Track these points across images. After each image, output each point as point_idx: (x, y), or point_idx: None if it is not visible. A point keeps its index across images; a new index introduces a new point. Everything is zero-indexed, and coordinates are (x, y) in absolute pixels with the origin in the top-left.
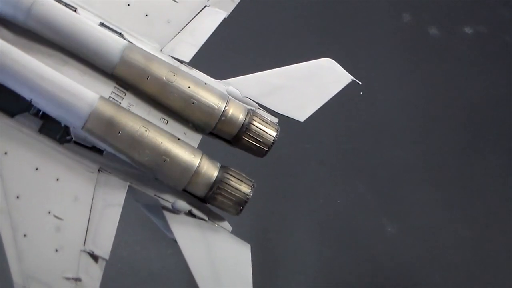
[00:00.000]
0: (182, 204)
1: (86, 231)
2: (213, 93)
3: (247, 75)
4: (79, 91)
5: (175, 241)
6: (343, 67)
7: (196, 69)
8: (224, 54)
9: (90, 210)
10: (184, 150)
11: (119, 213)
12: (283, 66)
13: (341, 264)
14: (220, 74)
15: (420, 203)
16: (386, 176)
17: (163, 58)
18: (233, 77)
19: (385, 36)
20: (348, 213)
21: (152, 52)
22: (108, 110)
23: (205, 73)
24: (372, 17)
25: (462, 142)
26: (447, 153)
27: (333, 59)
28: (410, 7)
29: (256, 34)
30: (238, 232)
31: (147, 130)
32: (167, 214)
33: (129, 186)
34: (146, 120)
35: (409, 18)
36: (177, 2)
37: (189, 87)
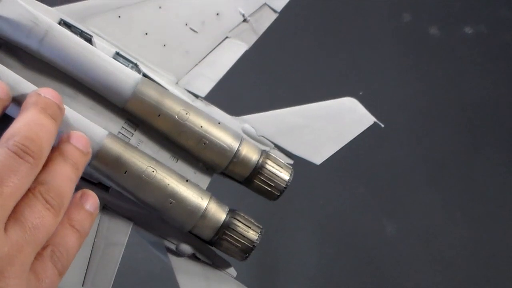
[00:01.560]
0: (186, 248)
1: (86, 271)
2: (227, 132)
3: (264, 113)
4: (88, 127)
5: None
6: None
7: (212, 103)
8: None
9: (92, 249)
10: (192, 193)
11: (121, 253)
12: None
13: (341, 264)
14: (235, 109)
15: (420, 203)
16: (386, 176)
17: (178, 92)
18: (247, 111)
19: (385, 36)
20: (348, 213)
21: (167, 85)
22: (115, 149)
23: (220, 108)
24: (372, 17)
25: (462, 142)
26: (447, 153)
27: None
28: (410, 7)
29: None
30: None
31: (154, 171)
32: (170, 256)
33: (133, 225)
34: (154, 159)
35: (409, 18)
36: (197, 32)
37: (201, 126)
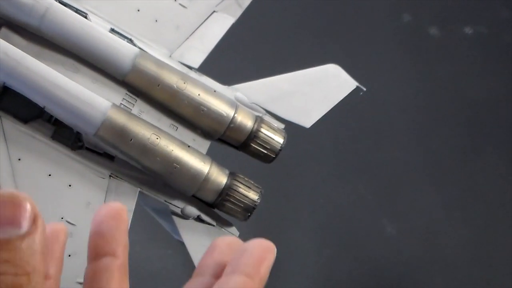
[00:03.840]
0: (192, 210)
1: None
2: (223, 100)
3: (254, 81)
4: (92, 99)
5: (180, 242)
6: (343, 67)
7: (204, 74)
8: (230, 58)
9: None
10: (194, 157)
11: (130, 219)
12: (283, 67)
13: (341, 264)
14: (226, 79)
15: (420, 203)
16: (386, 176)
17: (173, 65)
18: (237, 81)
19: (385, 36)
20: (348, 213)
21: (162, 59)
22: (120, 118)
23: (212, 79)
24: (372, 17)
25: (462, 142)
26: (447, 153)
27: (333, 59)
28: (410, 7)
29: (257, 35)
30: (238, 232)
31: (159, 138)
32: (176, 219)
33: (139, 192)
34: (157, 127)
35: (409, 18)
36: (185, 7)
37: (199, 94)
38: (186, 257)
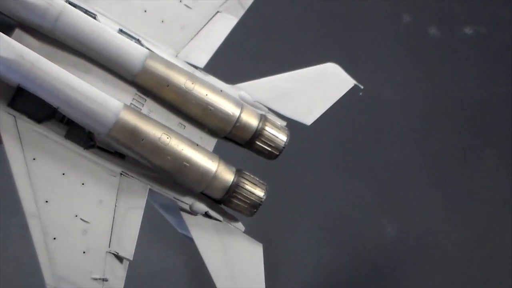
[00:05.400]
0: (200, 206)
1: (111, 233)
2: (229, 99)
3: (256, 80)
4: (105, 100)
5: (186, 236)
6: (343, 68)
7: (209, 73)
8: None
9: (114, 213)
10: (203, 156)
11: (141, 215)
12: (285, 67)
13: (341, 264)
14: (230, 78)
15: (420, 203)
16: (386, 176)
17: (179, 65)
18: (240, 79)
19: (385, 36)
20: (348, 213)
21: (169, 59)
22: (132, 119)
23: (217, 78)
24: (372, 17)
25: (462, 142)
26: (447, 153)
27: (333, 59)
28: (410, 7)
29: (259, 36)
30: (244, 227)
31: (169, 137)
32: (184, 216)
33: (149, 189)
34: (167, 127)
35: (409, 19)
36: (190, 8)
37: (206, 94)
38: (187, 257)
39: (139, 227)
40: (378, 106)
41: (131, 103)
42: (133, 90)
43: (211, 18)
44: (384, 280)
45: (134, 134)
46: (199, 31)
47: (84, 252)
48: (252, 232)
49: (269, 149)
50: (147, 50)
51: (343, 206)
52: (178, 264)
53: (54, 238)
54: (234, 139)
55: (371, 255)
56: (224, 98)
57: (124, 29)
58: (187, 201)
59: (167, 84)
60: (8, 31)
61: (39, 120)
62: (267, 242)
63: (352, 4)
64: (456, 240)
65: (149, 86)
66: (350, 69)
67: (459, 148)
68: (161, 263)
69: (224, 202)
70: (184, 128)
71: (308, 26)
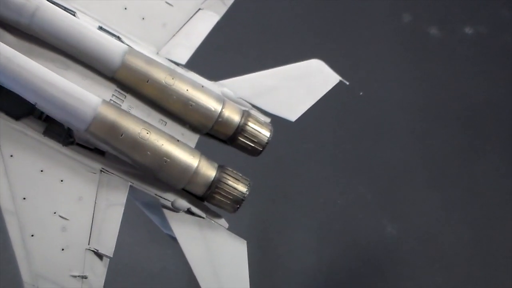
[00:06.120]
0: (182, 203)
1: (91, 230)
2: (210, 95)
3: (239, 77)
4: (83, 96)
5: (170, 236)
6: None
7: (191, 70)
8: (216, 55)
9: (94, 210)
10: (184, 151)
11: (122, 212)
12: (280, 64)
13: (341, 264)
14: (213, 75)
15: (420, 203)
16: (386, 176)
17: (160, 61)
18: (224, 76)
19: (385, 36)
20: (348, 213)
21: (150, 55)
22: (111, 114)
23: (199, 75)
24: (372, 17)
25: (462, 142)
26: (447, 153)
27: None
28: (410, 7)
29: (256, 34)
30: (238, 232)
31: (149, 133)
32: (166, 212)
33: (130, 186)
34: (147, 122)
35: (409, 18)
36: (172, 5)
37: (187, 90)
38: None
39: (119, 224)
40: (378, 106)
41: (110, 99)
42: (112, 86)
43: (192, 16)
44: (384, 280)
45: (113, 129)
46: (180, 28)
47: (63, 249)
48: (252, 232)
49: (252, 145)
50: (126, 46)
51: (343, 206)
52: (178, 264)
53: (32, 235)
54: (216, 135)
55: (371, 255)
56: (205, 94)
57: (104, 26)
58: (169, 197)
59: (147, 79)
60: None
61: (17, 117)
62: (267, 242)
63: (352, 4)
64: (456, 240)
65: (128, 82)
66: (350, 69)
67: (459, 148)
68: (161, 262)
69: (206, 199)
70: (165, 125)
71: (306, 25)
